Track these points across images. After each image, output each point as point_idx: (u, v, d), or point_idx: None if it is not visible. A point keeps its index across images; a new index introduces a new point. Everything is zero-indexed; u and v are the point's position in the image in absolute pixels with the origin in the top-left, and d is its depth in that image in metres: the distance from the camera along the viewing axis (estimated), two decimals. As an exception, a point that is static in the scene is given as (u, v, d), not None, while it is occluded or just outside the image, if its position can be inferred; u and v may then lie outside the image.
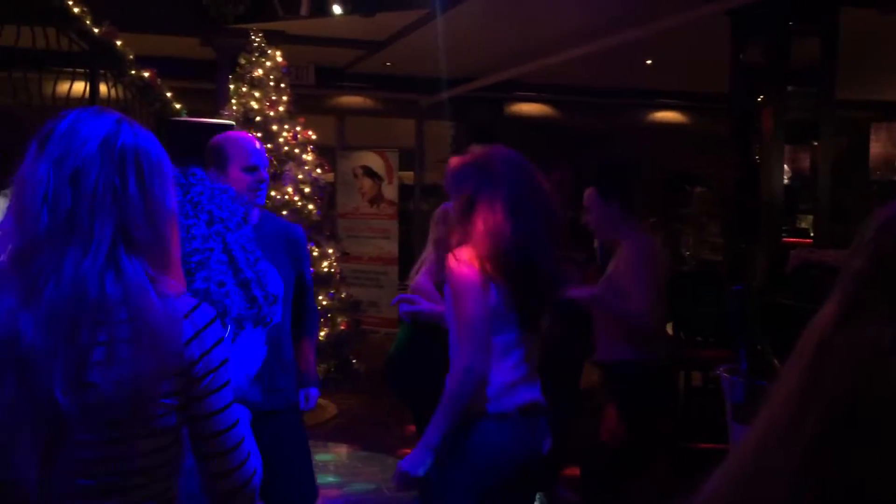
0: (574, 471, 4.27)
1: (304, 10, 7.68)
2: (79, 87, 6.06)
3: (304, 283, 3.06)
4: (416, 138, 12.12)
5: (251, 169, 2.83)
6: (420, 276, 3.78)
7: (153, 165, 1.37)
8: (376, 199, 10.36)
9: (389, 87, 11.15)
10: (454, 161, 2.57)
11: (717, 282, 6.71)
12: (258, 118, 6.54)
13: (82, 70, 6.11)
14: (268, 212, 3.08)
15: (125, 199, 1.32)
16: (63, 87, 6.06)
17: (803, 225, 7.47)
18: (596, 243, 4.19)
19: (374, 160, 10.78)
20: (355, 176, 10.80)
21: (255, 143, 2.88)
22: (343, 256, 7.68)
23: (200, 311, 1.36)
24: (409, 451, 2.40)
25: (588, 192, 3.53)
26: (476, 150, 2.53)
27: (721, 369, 3.41)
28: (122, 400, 1.26)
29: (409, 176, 11.81)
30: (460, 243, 2.34)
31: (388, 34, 8.66)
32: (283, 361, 2.92)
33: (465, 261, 2.28)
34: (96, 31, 5.95)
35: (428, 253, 3.91)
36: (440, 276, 3.80)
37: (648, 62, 9.61)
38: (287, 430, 2.94)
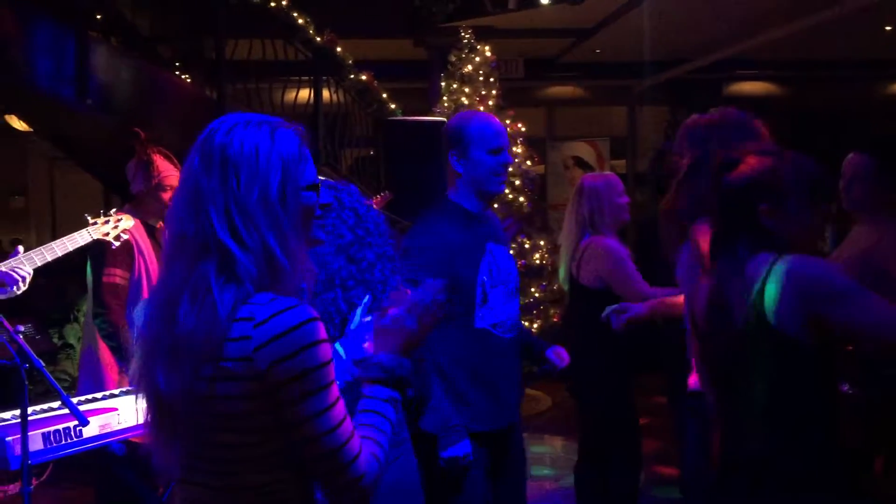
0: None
1: (512, 4, 7.72)
2: (304, 93, 6.46)
3: None
4: (628, 126, 11.79)
5: (496, 151, 2.62)
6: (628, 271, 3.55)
7: (241, 161, 1.35)
8: (588, 189, 10.22)
9: (599, 74, 10.92)
10: (692, 119, 2.40)
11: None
12: (469, 113, 6.65)
13: (307, 78, 6.51)
14: None
15: (209, 199, 1.34)
16: (290, 94, 6.50)
17: None
18: None
19: (584, 150, 10.65)
20: (566, 167, 10.72)
21: (498, 123, 2.68)
22: (556, 248, 7.63)
23: (285, 315, 1.32)
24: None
25: (856, 159, 3.21)
26: (717, 111, 2.34)
27: None
28: (175, 399, 1.35)
29: (621, 165, 11.52)
30: (680, 206, 2.22)
31: (597, 20, 8.48)
32: (518, 370, 2.79)
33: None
34: (318, 40, 6.32)
35: (576, 237, 3.67)
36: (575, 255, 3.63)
37: (888, 28, 8.70)
38: (512, 450, 2.76)
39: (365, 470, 1.37)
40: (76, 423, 2.49)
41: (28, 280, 2.61)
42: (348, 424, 1.37)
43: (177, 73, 6.34)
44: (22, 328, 2.20)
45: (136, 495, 3.28)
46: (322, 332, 1.34)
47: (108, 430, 2.70)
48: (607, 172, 4.03)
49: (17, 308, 5.23)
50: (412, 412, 2.31)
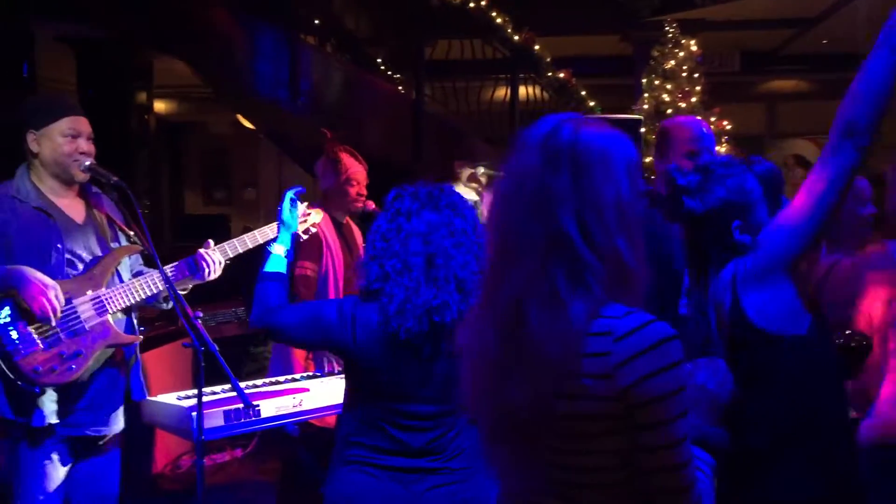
0: None
1: (723, -6, 7.34)
2: (500, 91, 6.53)
3: None
4: (861, 122, 10.82)
5: (692, 154, 2.60)
6: None
7: (594, 162, 1.25)
8: (810, 190, 9.50)
9: (827, 66, 10.08)
10: None
11: None
12: (669, 111, 6.40)
13: (504, 76, 6.58)
14: None
15: (558, 199, 1.24)
16: (487, 93, 6.59)
17: None
18: None
19: (807, 148, 9.85)
20: (786, 165, 10.01)
21: (700, 127, 2.69)
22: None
23: (648, 330, 1.22)
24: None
25: None
26: None
27: None
28: (529, 418, 1.26)
29: (850, 164, 10.60)
30: None
31: (821, 9, 7.86)
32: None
33: None
34: (516, 38, 6.36)
35: None
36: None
37: None
38: None
39: None
40: (256, 403, 2.69)
41: (218, 267, 2.81)
42: (693, 462, 1.27)
43: (381, 73, 6.64)
44: (201, 314, 2.39)
45: (311, 475, 3.48)
46: (682, 351, 1.24)
47: (285, 412, 2.88)
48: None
49: (234, 293, 5.72)
50: None
